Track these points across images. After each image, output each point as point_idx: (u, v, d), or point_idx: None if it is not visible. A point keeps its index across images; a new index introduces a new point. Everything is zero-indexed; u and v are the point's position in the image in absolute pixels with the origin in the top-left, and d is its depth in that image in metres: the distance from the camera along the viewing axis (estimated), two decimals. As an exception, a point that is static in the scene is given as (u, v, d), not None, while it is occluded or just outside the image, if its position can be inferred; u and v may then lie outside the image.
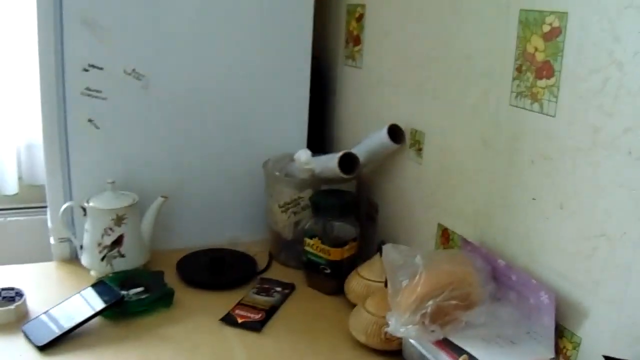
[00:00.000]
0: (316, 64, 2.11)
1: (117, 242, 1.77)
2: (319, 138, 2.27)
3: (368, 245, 1.89)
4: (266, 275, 1.89)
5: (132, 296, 1.63)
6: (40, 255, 2.03)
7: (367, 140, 1.84)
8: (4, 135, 2.69)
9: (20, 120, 2.71)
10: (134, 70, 1.83)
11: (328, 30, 2.27)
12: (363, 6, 2.01)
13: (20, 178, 2.80)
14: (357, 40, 2.06)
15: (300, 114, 2.09)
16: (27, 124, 2.72)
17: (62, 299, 1.60)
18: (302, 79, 2.07)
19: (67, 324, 1.50)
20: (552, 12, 1.24)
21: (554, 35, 1.23)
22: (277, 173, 1.93)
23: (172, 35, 1.87)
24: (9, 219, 2.80)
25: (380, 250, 1.65)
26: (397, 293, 1.36)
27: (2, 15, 2.56)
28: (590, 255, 1.19)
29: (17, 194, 2.80)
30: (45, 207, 1.90)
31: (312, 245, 1.77)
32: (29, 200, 2.82)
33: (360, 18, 2.03)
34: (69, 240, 1.89)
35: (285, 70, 2.04)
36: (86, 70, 1.78)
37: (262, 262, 1.95)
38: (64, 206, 1.80)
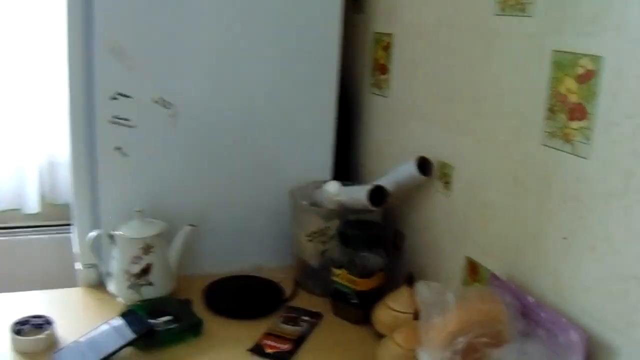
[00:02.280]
0: (343, 91, 2.12)
1: (146, 270, 1.78)
2: (345, 165, 2.28)
3: (394, 275, 1.89)
4: (292, 303, 1.89)
5: (161, 325, 1.64)
6: (62, 274, 2.05)
7: (394, 172, 1.85)
8: (26, 152, 2.70)
9: (42, 136, 2.72)
10: (161, 98, 1.85)
11: (355, 57, 2.28)
12: (390, 35, 2.02)
13: (42, 196, 2.81)
14: (383, 69, 2.07)
15: (326, 140, 2.10)
16: (49, 140, 2.74)
17: (91, 327, 1.62)
18: (328, 106, 2.08)
19: (99, 355, 1.51)
20: (585, 55, 1.24)
21: (587, 78, 1.24)
22: (303, 202, 1.94)
23: (199, 63, 1.89)
24: (30, 237, 2.82)
25: (407, 281, 1.67)
26: (429, 329, 1.36)
27: (31, 32, 2.59)
28: (622, 297, 1.19)
29: (38, 212, 2.81)
30: (68, 225, 1.91)
31: (340, 275, 1.78)
32: (51, 218, 2.84)
33: (387, 47, 2.04)
34: (95, 266, 1.90)
35: (311, 97, 2.05)
36: (115, 98, 1.80)
37: (287, 289, 1.95)
38: (92, 234, 1.81)
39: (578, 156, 1.28)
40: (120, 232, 1.78)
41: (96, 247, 1.86)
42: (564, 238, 1.33)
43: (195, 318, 1.71)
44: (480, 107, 1.59)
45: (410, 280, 1.66)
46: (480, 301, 1.39)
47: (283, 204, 2.02)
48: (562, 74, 1.30)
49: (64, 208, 2.63)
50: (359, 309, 1.77)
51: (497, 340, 1.34)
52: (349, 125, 2.30)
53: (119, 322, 1.62)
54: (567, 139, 1.30)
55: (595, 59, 1.22)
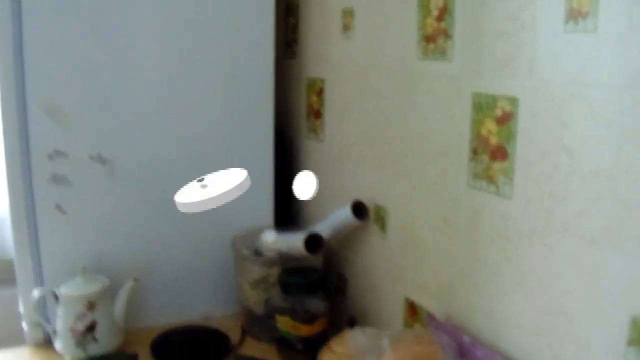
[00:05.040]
0: (280, 137, 2.13)
1: (90, 327, 1.76)
2: (286, 208, 2.29)
3: (339, 318, 1.90)
4: (240, 351, 1.88)
5: (106, 382, 1.63)
6: (14, 331, 2.02)
7: (331, 216, 1.86)
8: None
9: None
10: (98, 155, 1.84)
11: (291, 102, 2.30)
12: (322, 80, 2.04)
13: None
14: (318, 114, 2.09)
15: (266, 187, 2.10)
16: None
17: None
18: (266, 152, 2.09)
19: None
20: (502, 97, 1.27)
21: (506, 120, 1.27)
22: (245, 251, 1.94)
23: (135, 117, 1.89)
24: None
25: (350, 324, 1.68)
26: (366, 375, 1.37)
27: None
28: (552, 332, 1.21)
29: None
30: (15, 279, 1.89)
31: (283, 322, 1.78)
32: (-1, 273, 2.80)
33: (320, 92, 2.06)
34: (40, 324, 1.88)
35: (249, 144, 2.05)
36: (51, 157, 1.79)
37: (235, 337, 1.94)
38: (35, 293, 1.79)
39: (502, 196, 1.30)
40: (63, 291, 1.77)
41: (40, 305, 1.84)
42: (494, 275, 1.35)
43: (141, 373, 1.70)
44: (409, 149, 1.61)
45: (352, 323, 1.67)
46: (416, 344, 1.40)
47: (227, 252, 2.01)
48: (483, 116, 1.33)
49: (11, 264, 2.60)
50: (304, 355, 1.77)
51: (435, 382, 1.35)
52: (288, 170, 2.31)
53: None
54: (491, 180, 1.33)
55: (512, 100, 1.25)
